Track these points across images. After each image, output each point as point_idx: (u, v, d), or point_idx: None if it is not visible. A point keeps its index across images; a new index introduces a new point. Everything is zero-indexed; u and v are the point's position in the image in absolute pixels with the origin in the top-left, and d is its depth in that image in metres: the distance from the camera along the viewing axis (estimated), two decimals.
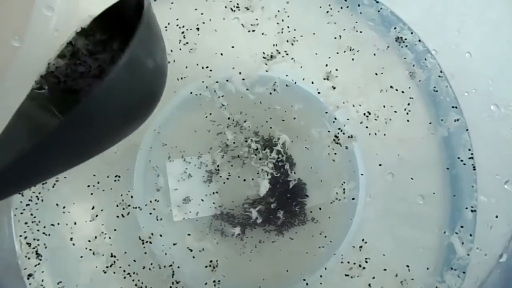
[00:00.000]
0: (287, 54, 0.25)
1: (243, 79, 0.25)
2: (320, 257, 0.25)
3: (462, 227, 0.23)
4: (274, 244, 0.25)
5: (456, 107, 0.23)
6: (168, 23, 0.25)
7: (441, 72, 0.23)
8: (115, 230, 0.24)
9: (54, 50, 0.22)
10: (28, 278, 0.22)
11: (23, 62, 0.19)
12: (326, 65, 0.25)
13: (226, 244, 0.25)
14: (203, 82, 0.25)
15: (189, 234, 0.25)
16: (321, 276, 0.24)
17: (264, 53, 0.25)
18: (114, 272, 0.23)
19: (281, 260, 0.25)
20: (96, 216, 0.24)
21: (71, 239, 0.24)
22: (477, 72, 0.21)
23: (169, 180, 0.25)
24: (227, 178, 0.25)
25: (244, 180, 0.25)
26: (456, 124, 0.23)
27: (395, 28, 0.24)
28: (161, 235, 0.25)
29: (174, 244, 0.25)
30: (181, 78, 0.25)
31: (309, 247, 0.25)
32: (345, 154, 0.25)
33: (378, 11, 0.23)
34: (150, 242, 0.24)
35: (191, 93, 0.25)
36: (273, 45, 0.25)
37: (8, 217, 0.23)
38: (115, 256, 0.24)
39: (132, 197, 0.25)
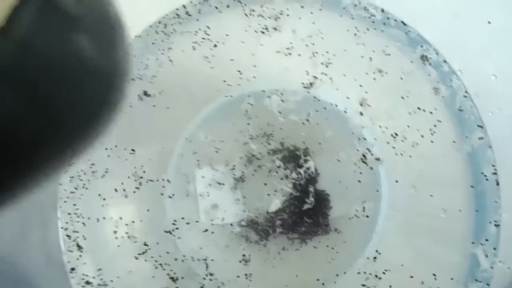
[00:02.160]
0: (325, 75, 0.26)
1: (279, 95, 0.27)
2: (342, 267, 0.25)
3: (487, 240, 0.23)
4: (297, 251, 0.26)
5: (481, 126, 0.24)
6: (202, 38, 0.26)
7: (466, 92, 0.24)
8: (146, 232, 0.26)
9: None
10: (71, 271, 0.24)
11: None
12: (358, 86, 0.26)
13: (251, 250, 0.26)
14: (231, 96, 0.27)
15: (213, 240, 0.26)
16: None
17: (299, 73, 0.27)
18: (146, 260, 0.25)
19: (304, 268, 0.26)
20: (130, 216, 0.26)
21: (111, 231, 0.26)
22: (501, 94, 0.22)
23: (197, 186, 0.26)
24: (252, 187, 0.26)
25: (268, 194, 0.26)
26: (480, 141, 0.24)
27: (421, 46, 0.25)
28: (189, 237, 0.26)
29: (200, 248, 0.26)
30: (210, 89, 0.27)
31: (332, 256, 0.25)
32: (370, 172, 0.26)
33: (406, 33, 0.25)
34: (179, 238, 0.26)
35: (222, 105, 0.27)
36: (307, 70, 0.26)
37: (54, 210, 0.25)
38: (147, 245, 0.26)
39: (163, 200, 0.26)
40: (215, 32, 0.26)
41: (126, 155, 0.26)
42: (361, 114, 0.26)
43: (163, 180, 0.26)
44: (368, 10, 0.25)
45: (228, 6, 0.27)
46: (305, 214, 0.26)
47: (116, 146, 0.26)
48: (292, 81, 0.27)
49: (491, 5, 0.22)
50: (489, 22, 0.21)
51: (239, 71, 0.27)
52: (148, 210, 0.26)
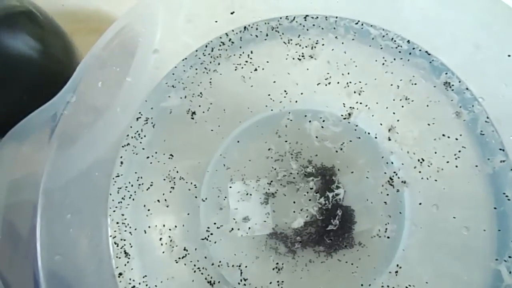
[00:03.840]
0: (360, 104, 0.28)
1: (320, 122, 0.29)
2: (366, 280, 0.26)
3: (510, 257, 0.24)
4: (323, 264, 0.27)
5: (503, 150, 0.25)
6: (245, 62, 0.29)
7: (487, 118, 0.25)
8: (185, 238, 0.28)
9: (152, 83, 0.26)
10: (119, 276, 0.26)
11: (128, 93, 0.24)
12: (389, 113, 0.28)
13: (279, 262, 0.27)
14: (267, 116, 0.29)
15: (245, 250, 0.28)
16: None
17: (337, 101, 0.28)
18: (185, 264, 0.27)
19: (330, 280, 0.27)
20: (170, 228, 0.28)
21: (155, 239, 0.27)
22: None
23: (230, 200, 0.28)
24: (281, 203, 0.28)
25: (294, 211, 0.27)
26: (502, 164, 0.25)
27: (446, 73, 0.26)
28: (223, 246, 0.27)
29: (234, 255, 0.27)
30: (247, 109, 0.29)
31: (356, 269, 0.26)
32: (395, 194, 0.27)
33: (430, 62, 0.27)
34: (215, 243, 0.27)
35: (257, 123, 0.29)
36: (344, 102, 0.28)
37: (105, 217, 0.27)
38: (186, 250, 0.27)
39: (199, 211, 0.28)
40: (256, 57, 0.29)
41: (167, 170, 0.28)
42: (389, 139, 0.28)
43: (201, 198, 0.28)
44: (395, 41, 0.27)
45: (267, 35, 0.29)
46: (331, 229, 0.27)
47: (158, 162, 0.28)
48: (330, 108, 0.29)
49: (507, 38, 0.23)
50: (509, 56, 0.23)
51: (274, 94, 0.29)
52: (186, 219, 0.28)
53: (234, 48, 0.29)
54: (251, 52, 0.29)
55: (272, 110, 0.29)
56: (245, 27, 0.28)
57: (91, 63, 0.23)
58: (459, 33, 0.25)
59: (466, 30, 0.24)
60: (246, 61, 0.29)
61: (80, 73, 0.22)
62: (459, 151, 0.26)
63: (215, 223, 0.28)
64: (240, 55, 0.29)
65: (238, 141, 0.29)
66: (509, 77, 0.24)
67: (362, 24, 0.28)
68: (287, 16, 0.29)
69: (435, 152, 0.27)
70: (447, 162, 0.27)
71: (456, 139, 0.27)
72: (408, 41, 0.27)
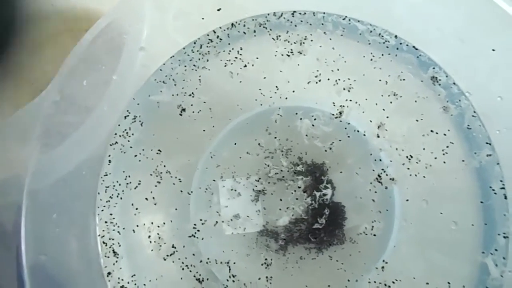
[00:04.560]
0: (350, 101, 0.28)
1: (311, 120, 0.28)
2: (355, 276, 0.26)
3: (496, 250, 0.24)
4: (314, 261, 0.27)
5: (489, 144, 0.25)
6: (235, 58, 0.29)
7: (474, 112, 0.25)
8: (173, 235, 0.28)
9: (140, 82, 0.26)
10: (107, 276, 0.26)
11: (115, 91, 0.24)
12: (378, 109, 0.28)
13: (269, 258, 0.27)
14: (256, 113, 0.29)
15: (235, 247, 0.28)
16: None
17: (327, 99, 0.28)
18: (173, 261, 0.27)
19: (320, 276, 0.27)
20: (158, 226, 0.28)
21: (144, 238, 0.27)
22: (508, 113, 0.24)
23: (220, 198, 0.28)
24: (271, 200, 0.28)
25: (280, 209, 0.28)
26: (488, 158, 0.25)
27: (433, 68, 0.27)
28: (212, 243, 0.27)
29: (223, 252, 0.27)
30: (236, 106, 0.29)
31: (347, 265, 0.27)
32: (384, 191, 0.27)
33: (417, 57, 0.27)
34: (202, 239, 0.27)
35: (247, 121, 0.29)
36: (333, 102, 0.28)
37: (93, 217, 0.26)
38: (174, 247, 0.27)
39: (189, 209, 0.28)
40: (246, 54, 0.29)
41: (156, 168, 0.28)
42: (378, 136, 0.28)
43: (188, 193, 0.28)
44: (382, 36, 0.27)
45: (255, 32, 0.29)
46: (322, 226, 0.27)
47: (147, 160, 0.28)
48: (320, 106, 0.29)
49: (493, 33, 0.24)
50: (493, 50, 0.23)
51: (264, 90, 0.29)
52: (174, 217, 0.28)
53: (223, 44, 0.29)
54: (241, 49, 0.29)
55: (261, 105, 0.29)
56: (232, 24, 0.28)
57: (75, 62, 0.22)
58: (446, 28, 0.25)
59: (452, 25, 0.24)
60: (236, 57, 0.29)
61: (64, 71, 0.22)
62: (447, 147, 0.27)
63: (205, 220, 0.28)
64: (230, 51, 0.29)
65: (228, 139, 0.29)
66: (495, 72, 0.24)
67: (349, 20, 0.28)
68: (274, 13, 0.29)
69: (424, 149, 0.27)
70: (435, 158, 0.27)
71: (444, 134, 0.27)
72: (396, 36, 0.27)
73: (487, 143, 0.25)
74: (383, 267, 0.26)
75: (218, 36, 0.29)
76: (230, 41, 0.28)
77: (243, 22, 0.28)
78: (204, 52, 0.29)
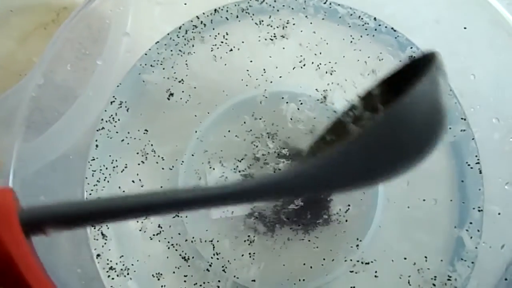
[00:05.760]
0: (332, 83, 0.29)
1: (298, 104, 0.29)
2: (343, 255, 0.27)
3: (471, 223, 0.25)
4: (301, 241, 0.28)
5: (464, 119, 0.26)
6: (221, 43, 0.29)
7: (450, 90, 0.26)
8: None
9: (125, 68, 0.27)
10: (97, 258, 0.26)
11: (100, 77, 0.24)
12: (358, 90, 0.28)
13: (258, 241, 0.28)
14: (243, 98, 0.29)
15: (223, 231, 0.28)
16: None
17: (310, 84, 0.29)
18: (159, 241, 0.27)
19: (307, 256, 0.28)
20: None
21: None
22: (482, 91, 0.24)
23: (208, 182, 0.28)
24: None
25: None
26: (462, 133, 0.26)
27: (410, 48, 0.27)
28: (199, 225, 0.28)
29: (211, 241, 0.28)
30: (223, 91, 0.29)
31: (333, 245, 0.27)
32: None
33: (395, 38, 0.27)
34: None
35: (231, 108, 0.29)
36: (316, 88, 0.29)
37: (82, 199, 0.27)
38: (161, 227, 0.28)
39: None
40: (231, 38, 0.29)
41: (142, 150, 0.29)
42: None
43: (176, 177, 0.28)
44: (362, 18, 0.28)
45: (237, 17, 0.29)
46: (308, 208, 0.28)
47: (134, 139, 0.28)
48: (303, 90, 0.29)
49: (466, 13, 0.24)
50: (465, 28, 0.23)
51: (249, 75, 0.29)
52: None
53: (207, 30, 0.29)
54: (226, 34, 0.29)
55: (247, 87, 0.29)
56: (215, 10, 0.29)
57: (58, 45, 0.23)
58: (422, 9, 0.25)
59: (428, 6, 0.25)
60: (222, 42, 0.29)
61: (48, 54, 0.22)
62: None
63: None
64: (215, 36, 0.29)
65: (215, 124, 0.29)
66: (468, 50, 0.24)
67: (330, 4, 0.28)
68: None
69: None
70: None
71: None
72: (375, 19, 0.28)
73: (462, 118, 0.26)
74: (366, 245, 0.27)
75: (202, 22, 0.29)
76: (214, 26, 0.29)
77: (225, 8, 0.28)
78: (189, 37, 0.29)
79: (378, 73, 0.28)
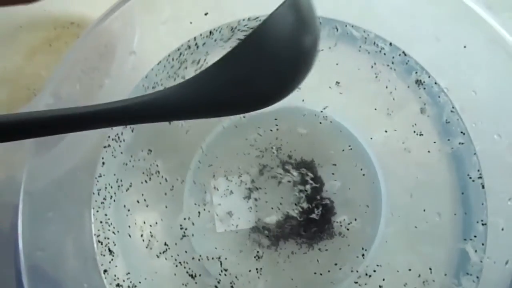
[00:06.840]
0: (334, 95, 0.29)
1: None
2: (347, 268, 0.27)
3: (475, 236, 0.25)
4: (305, 255, 0.28)
5: (463, 133, 0.26)
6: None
7: (452, 107, 0.26)
8: (166, 234, 0.28)
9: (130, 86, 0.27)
10: (104, 273, 0.26)
11: (108, 95, 0.25)
12: (361, 103, 0.29)
13: (264, 255, 0.28)
14: (244, 117, 0.29)
15: (228, 245, 0.28)
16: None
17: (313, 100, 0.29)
18: (166, 258, 0.27)
19: (312, 270, 0.28)
20: (152, 224, 0.29)
21: (137, 236, 0.28)
22: (483, 107, 0.25)
23: (213, 196, 0.29)
24: (263, 196, 0.29)
25: (272, 208, 0.28)
26: (461, 146, 0.26)
27: (416, 72, 0.27)
28: (205, 240, 0.28)
29: (215, 249, 0.28)
30: None
31: (337, 258, 0.28)
32: (371, 184, 0.28)
33: (399, 55, 0.28)
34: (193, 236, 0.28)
35: (235, 123, 0.30)
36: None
37: (89, 216, 0.27)
38: (167, 244, 0.28)
39: (181, 208, 0.29)
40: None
41: (148, 170, 0.29)
42: (364, 130, 0.29)
43: (181, 192, 0.29)
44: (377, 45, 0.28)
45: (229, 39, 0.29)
46: (312, 221, 0.28)
47: (138, 160, 0.29)
48: (305, 104, 0.29)
49: (465, 32, 0.25)
50: (464, 47, 0.24)
51: None
52: (167, 216, 0.29)
53: (199, 52, 0.29)
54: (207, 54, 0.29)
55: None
56: (210, 32, 0.29)
57: (68, 66, 0.23)
58: (422, 26, 0.26)
59: (427, 23, 0.25)
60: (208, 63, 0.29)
61: (57, 75, 0.23)
62: (434, 142, 0.27)
63: (198, 220, 0.29)
64: (199, 60, 0.29)
65: (219, 138, 0.29)
66: (471, 67, 0.25)
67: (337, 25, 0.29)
68: (249, 18, 0.28)
69: (403, 143, 0.28)
70: (420, 152, 0.28)
71: (422, 134, 0.28)
72: (391, 44, 0.27)
73: (461, 132, 0.26)
74: (370, 258, 0.27)
75: (196, 44, 0.29)
76: (205, 49, 0.29)
77: (219, 29, 0.29)
78: (183, 60, 0.29)
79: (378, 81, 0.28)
